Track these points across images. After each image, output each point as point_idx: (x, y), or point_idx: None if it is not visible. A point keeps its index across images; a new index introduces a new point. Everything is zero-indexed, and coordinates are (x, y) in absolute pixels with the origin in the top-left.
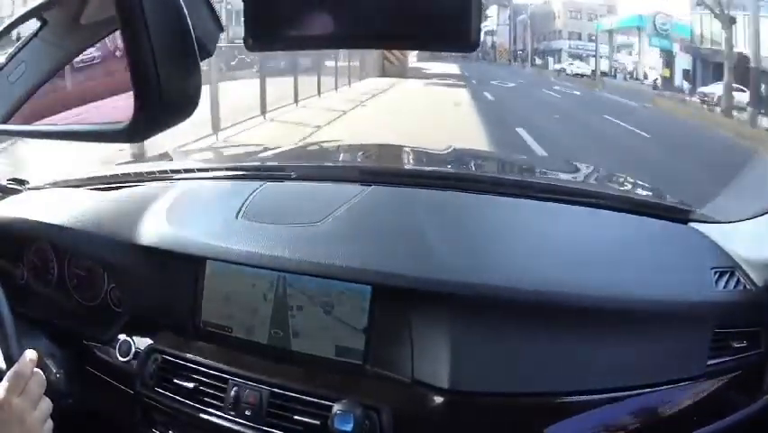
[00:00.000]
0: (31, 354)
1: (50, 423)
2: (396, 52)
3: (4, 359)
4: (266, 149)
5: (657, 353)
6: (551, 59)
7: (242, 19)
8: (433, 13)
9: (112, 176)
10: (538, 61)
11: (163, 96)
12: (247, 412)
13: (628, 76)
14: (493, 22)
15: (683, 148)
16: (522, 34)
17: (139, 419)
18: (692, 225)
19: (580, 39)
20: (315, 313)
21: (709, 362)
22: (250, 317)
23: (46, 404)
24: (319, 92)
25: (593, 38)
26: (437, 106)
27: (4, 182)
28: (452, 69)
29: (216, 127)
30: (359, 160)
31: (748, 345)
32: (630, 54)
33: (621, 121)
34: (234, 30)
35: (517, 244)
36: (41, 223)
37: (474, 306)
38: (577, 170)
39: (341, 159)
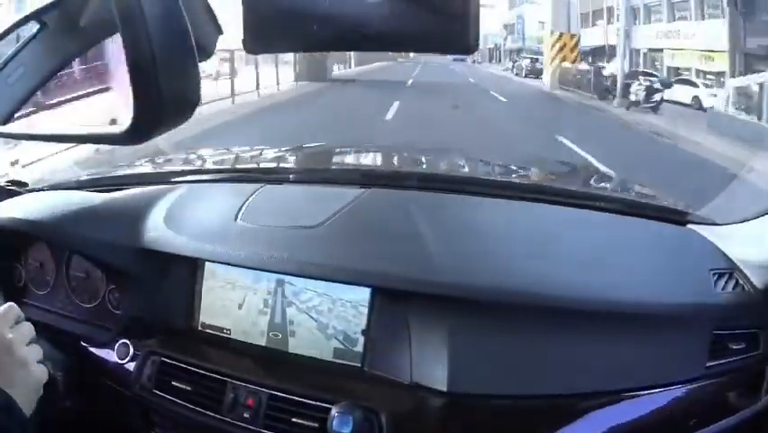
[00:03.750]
0: None
1: (43, 369)
2: None
3: None
4: (264, 151)
5: (656, 355)
6: None
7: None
8: (431, 16)
9: (111, 178)
10: None
11: (163, 98)
12: (245, 415)
13: None
14: None
15: None
16: None
17: (137, 421)
18: (691, 226)
19: None
20: (314, 315)
21: (708, 364)
22: (248, 319)
23: (36, 350)
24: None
25: None
26: None
27: (3, 184)
28: None
29: None
30: (357, 162)
31: (747, 347)
32: None
33: None
34: None
35: (516, 247)
36: (39, 225)
37: (474, 308)
38: (575, 171)
39: (339, 161)
